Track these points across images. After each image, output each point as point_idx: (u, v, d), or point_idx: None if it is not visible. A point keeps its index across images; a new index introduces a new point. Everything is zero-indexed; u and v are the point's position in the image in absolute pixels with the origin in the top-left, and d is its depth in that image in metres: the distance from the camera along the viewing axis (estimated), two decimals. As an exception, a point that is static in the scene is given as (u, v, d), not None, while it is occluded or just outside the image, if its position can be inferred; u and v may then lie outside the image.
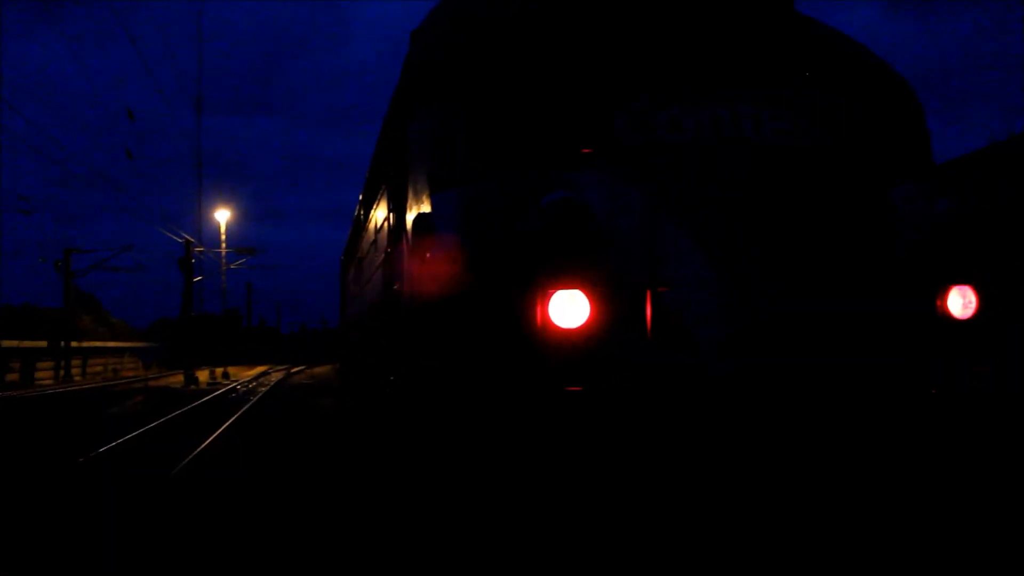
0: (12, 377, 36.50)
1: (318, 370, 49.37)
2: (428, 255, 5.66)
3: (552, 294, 4.63)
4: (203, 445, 12.93)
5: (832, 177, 5.49)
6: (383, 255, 9.08)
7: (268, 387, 31.89)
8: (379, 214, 9.92)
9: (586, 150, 5.03)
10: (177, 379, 38.62)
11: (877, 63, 6.20)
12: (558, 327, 4.63)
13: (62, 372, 40.46)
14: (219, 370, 43.86)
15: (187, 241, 39.74)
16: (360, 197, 13.68)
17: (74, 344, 42.68)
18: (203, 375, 40.60)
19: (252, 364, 63.13)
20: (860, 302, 5.26)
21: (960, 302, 5.65)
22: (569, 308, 4.64)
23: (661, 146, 5.17)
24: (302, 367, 55.83)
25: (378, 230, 10.03)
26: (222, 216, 49.43)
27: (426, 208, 5.85)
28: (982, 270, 5.85)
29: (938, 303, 5.60)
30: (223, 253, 48.66)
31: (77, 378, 40.69)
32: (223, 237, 48.78)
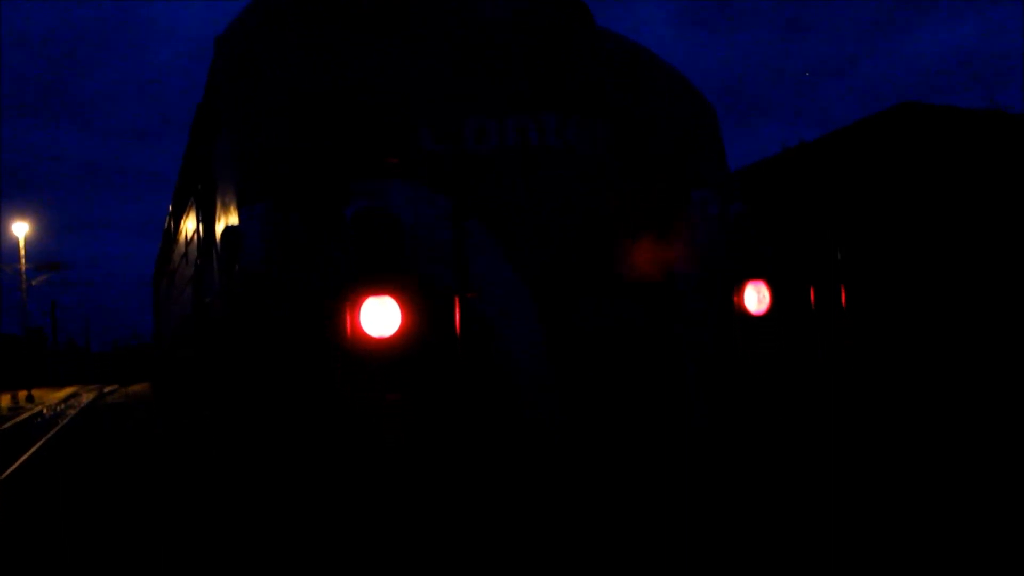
0: None
1: (134, 388, 47.10)
2: (237, 267, 5.53)
3: (362, 302, 4.62)
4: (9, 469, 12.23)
5: (634, 183, 5.74)
6: (193, 269, 8.79)
7: (78, 409, 30.16)
8: (188, 227, 9.59)
9: (392, 159, 5.06)
10: (-27, 406, 35.99)
11: (676, 76, 6.52)
12: (369, 336, 4.63)
13: None
14: (22, 393, 41.19)
15: (-20, 258, 37.01)
16: (170, 209, 13.17)
17: None
18: (4, 400, 38.01)
19: (60, 386, 59.49)
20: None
21: (755, 297, 5.99)
22: (380, 316, 4.63)
23: (466, 155, 5.27)
24: (116, 386, 53.11)
25: (188, 243, 9.70)
26: (20, 230, 46.27)
27: (234, 220, 5.71)
28: (774, 266, 6.23)
29: (735, 299, 5.91)
30: (23, 269, 45.61)
31: None
32: (22, 252, 45.70)
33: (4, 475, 12.40)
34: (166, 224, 14.76)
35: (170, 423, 13.69)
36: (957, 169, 11.25)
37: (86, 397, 40.67)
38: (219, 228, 6.35)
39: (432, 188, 5.14)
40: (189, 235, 9.52)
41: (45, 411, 30.69)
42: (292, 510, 4.94)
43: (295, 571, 4.86)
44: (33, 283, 47.44)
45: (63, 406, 33.73)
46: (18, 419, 25.99)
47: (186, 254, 10.09)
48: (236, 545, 5.80)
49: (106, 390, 47.97)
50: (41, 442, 17.40)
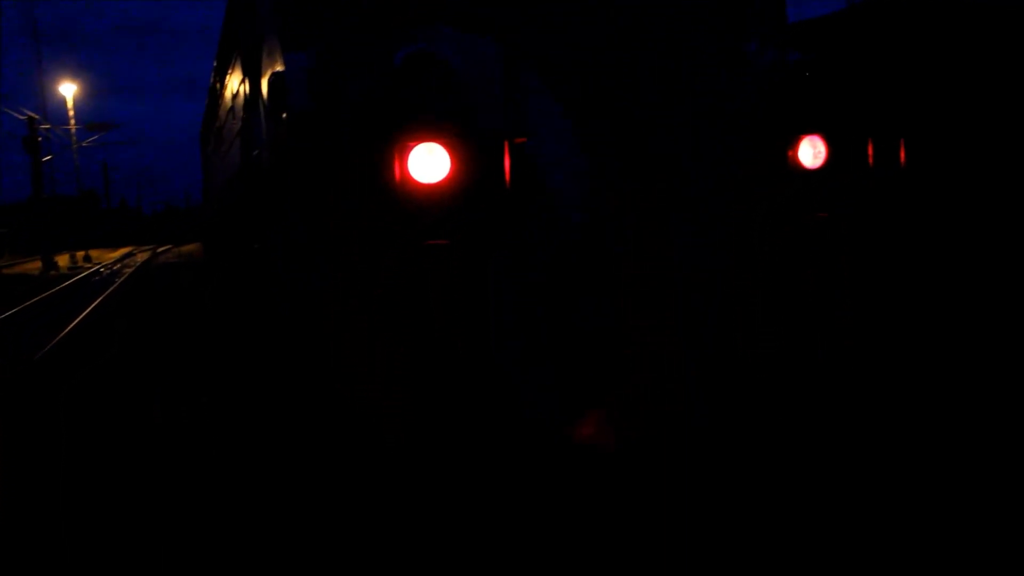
0: None
1: (186, 248, 48.00)
2: (285, 116, 5.49)
3: (411, 148, 4.56)
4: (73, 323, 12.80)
5: (689, 31, 5.54)
6: (240, 123, 8.77)
7: (134, 268, 30.92)
8: (234, 81, 9.52)
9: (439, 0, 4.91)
10: (34, 266, 36.99)
11: None
12: (418, 182, 4.58)
13: None
14: (80, 254, 42.14)
15: (30, 118, 37.20)
16: (215, 65, 13.06)
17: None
18: (63, 260, 38.98)
19: (115, 247, 60.85)
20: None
21: (810, 152, 5.81)
22: (428, 162, 4.57)
23: None
24: (169, 246, 54.28)
25: (235, 97, 9.65)
26: (68, 90, 46.32)
27: (280, 68, 5.64)
28: (831, 120, 6.01)
29: (789, 153, 5.74)
30: (72, 130, 45.91)
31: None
32: (71, 113, 45.90)
33: (81, 316, 13.00)
34: (211, 81, 14.67)
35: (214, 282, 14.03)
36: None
37: (141, 257, 41.58)
38: (265, 79, 6.28)
39: (481, 32, 5.00)
40: (235, 89, 9.46)
41: (103, 270, 31.48)
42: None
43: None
44: (84, 144, 47.82)
45: (119, 265, 34.56)
46: (78, 277, 26.72)
47: (232, 108, 10.05)
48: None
49: (159, 250, 48.98)
50: (106, 293, 18.03)
